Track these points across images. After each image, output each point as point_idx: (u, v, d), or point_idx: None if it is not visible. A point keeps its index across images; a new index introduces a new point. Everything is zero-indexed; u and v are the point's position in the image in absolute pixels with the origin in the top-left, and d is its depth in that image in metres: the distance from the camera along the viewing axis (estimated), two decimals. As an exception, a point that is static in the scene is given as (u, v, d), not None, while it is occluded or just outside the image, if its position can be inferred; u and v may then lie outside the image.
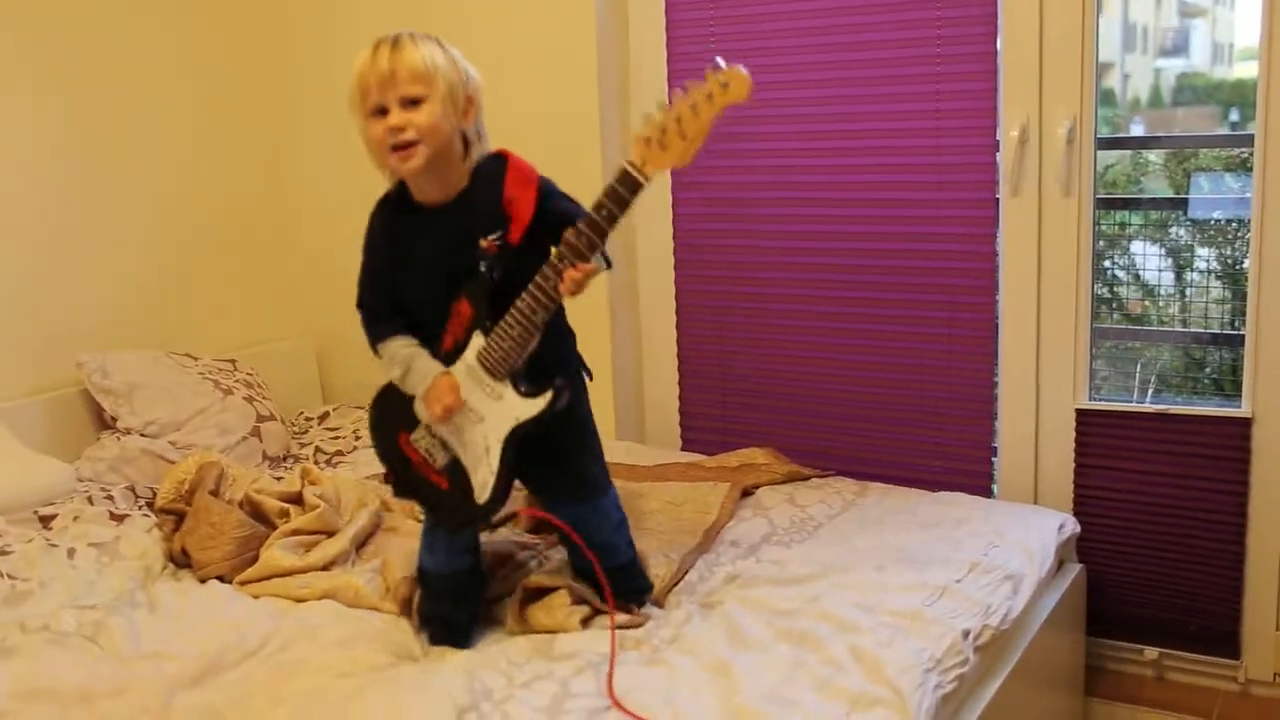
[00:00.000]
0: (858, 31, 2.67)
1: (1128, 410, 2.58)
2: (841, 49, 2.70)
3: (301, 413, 3.28)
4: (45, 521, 2.39)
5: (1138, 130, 2.79)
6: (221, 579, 2.25)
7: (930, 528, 2.34)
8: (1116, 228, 2.75)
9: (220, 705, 1.79)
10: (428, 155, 1.82)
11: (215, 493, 2.42)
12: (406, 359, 1.92)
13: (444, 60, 1.84)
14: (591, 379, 2.07)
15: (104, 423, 2.81)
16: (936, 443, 2.76)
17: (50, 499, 2.46)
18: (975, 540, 2.27)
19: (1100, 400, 2.62)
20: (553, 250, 1.80)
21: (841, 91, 2.72)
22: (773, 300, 2.90)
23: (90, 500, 2.49)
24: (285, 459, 2.94)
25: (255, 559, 2.27)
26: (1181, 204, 2.73)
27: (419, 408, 1.91)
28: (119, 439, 2.72)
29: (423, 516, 2.06)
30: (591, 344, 2.96)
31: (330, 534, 2.34)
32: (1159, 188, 2.77)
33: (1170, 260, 2.75)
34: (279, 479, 2.58)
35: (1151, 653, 2.62)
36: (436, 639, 1.99)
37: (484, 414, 1.88)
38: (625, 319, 3.06)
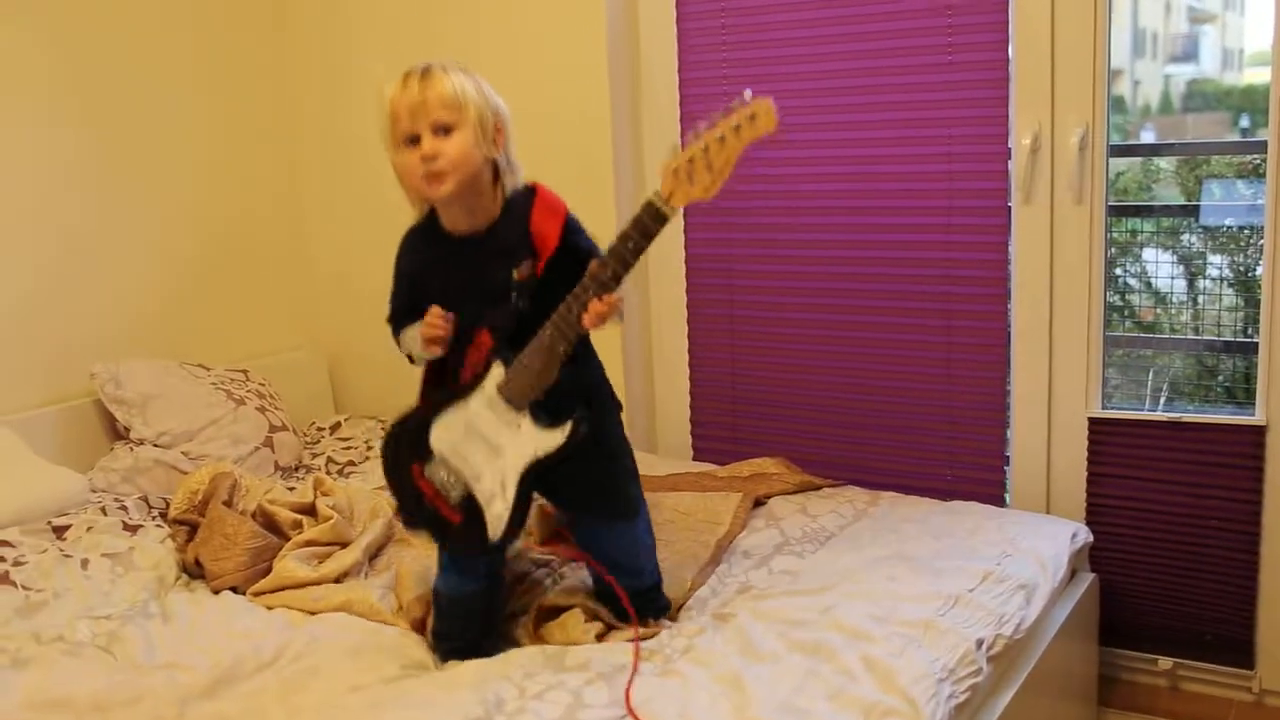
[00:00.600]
0: (869, 40, 2.67)
1: (1140, 418, 2.57)
2: (853, 58, 2.70)
3: (313, 423, 3.29)
4: (59, 532, 2.39)
5: (1148, 137, 2.78)
6: (235, 590, 2.26)
7: (943, 537, 2.33)
8: (1128, 235, 2.74)
9: (234, 716, 1.80)
10: (458, 182, 1.83)
11: (228, 503, 2.42)
12: (407, 336, 1.97)
13: (473, 89, 1.85)
14: (621, 409, 2.07)
15: (117, 433, 2.82)
16: (948, 452, 2.75)
17: (64, 510, 2.47)
18: (988, 549, 2.26)
19: (1113, 409, 2.61)
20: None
21: (853, 100, 2.72)
22: (784, 309, 2.90)
23: (104, 511, 2.49)
24: (298, 469, 2.95)
25: (268, 570, 2.27)
26: (1193, 211, 2.72)
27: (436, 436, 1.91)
28: (132, 449, 2.73)
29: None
30: (603, 354, 2.97)
31: (343, 545, 2.35)
32: (1170, 195, 2.76)
33: (1182, 267, 2.74)
34: (291, 489, 2.58)
35: (1165, 662, 2.61)
36: (447, 658, 1.98)
37: (502, 445, 1.88)
38: (637, 329, 3.06)
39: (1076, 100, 2.49)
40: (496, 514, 1.88)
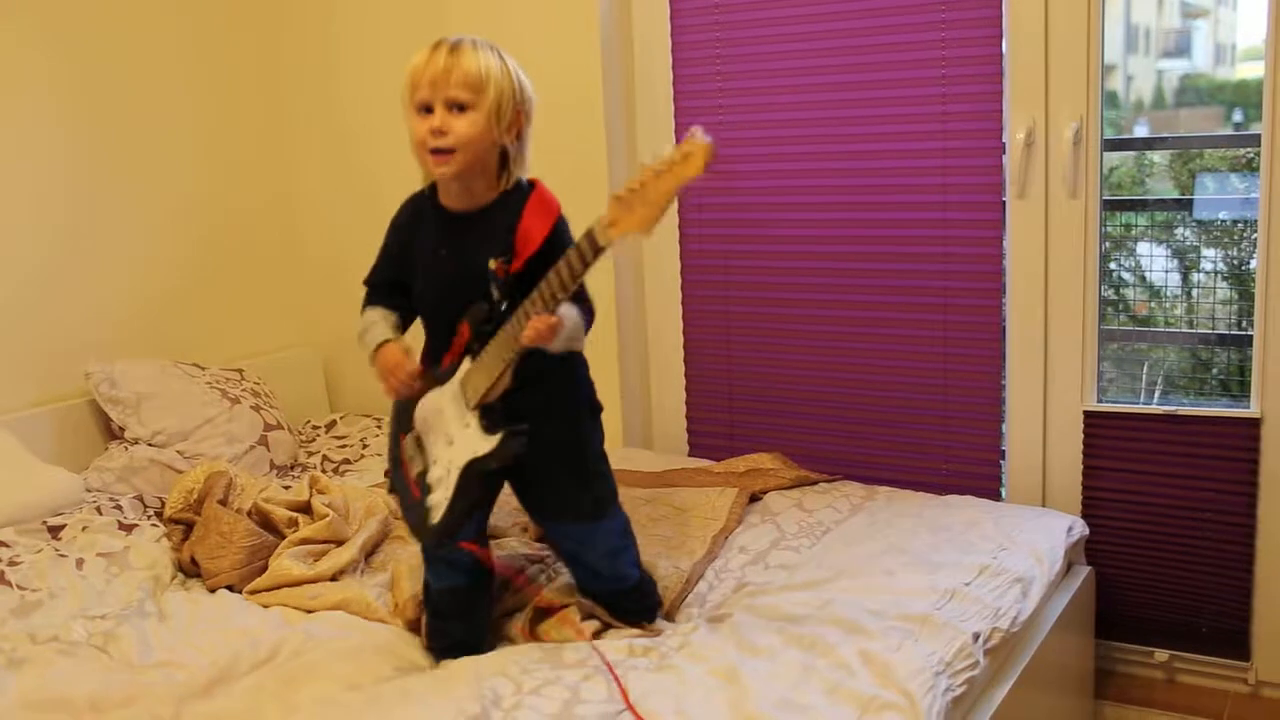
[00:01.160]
0: (863, 35, 2.68)
1: (1135, 412, 2.57)
2: (847, 53, 2.70)
3: (309, 421, 3.28)
4: (54, 532, 2.39)
5: (1141, 132, 2.79)
6: (231, 588, 2.26)
7: (939, 531, 2.34)
8: (1122, 229, 2.74)
9: (231, 714, 1.79)
10: (461, 164, 1.82)
11: (224, 502, 2.42)
12: (368, 321, 1.96)
13: (499, 72, 1.83)
14: (601, 410, 2.05)
15: (112, 433, 2.81)
16: (944, 446, 2.76)
17: (59, 509, 2.47)
18: (984, 543, 2.27)
19: (1108, 402, 2.62)
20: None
21: (847, 96, 2.72)
22: (779, 304, 2.90)
23: (99, 510, 2.49)
24: (293, 468, 2.95)
25: (264, 568, 2.27)
26: (1187, 205, 2.72)
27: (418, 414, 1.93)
28: (127, 449, 2.73)
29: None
30: (599, 351, 2.99)
31: (339, 543, 2.35)
32: (1164, 189, 2.77)
33: (1176, 261, 2.75)
34: (287, 488, 2.58)
35: (1161, 655, 2.61)
36: (442, 656, 1.98)
37: (453, 438, 1.88)
38: (632, 325, 3.06)
39: (1070, 95, 2.49)
40: (436, 501, 1.89)
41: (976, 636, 1.93)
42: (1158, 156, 2.76)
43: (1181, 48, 2.77)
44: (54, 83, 2.85)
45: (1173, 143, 2.73)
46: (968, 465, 2.74)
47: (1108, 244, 2.65)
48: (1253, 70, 2.46)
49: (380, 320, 1.96)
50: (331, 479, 2.67)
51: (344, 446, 3.10)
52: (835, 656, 1.81)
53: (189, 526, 2.41)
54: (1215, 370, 2.73)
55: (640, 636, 1.96)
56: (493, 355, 1.80)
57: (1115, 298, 2.78)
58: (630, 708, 1.70)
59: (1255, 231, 2.45)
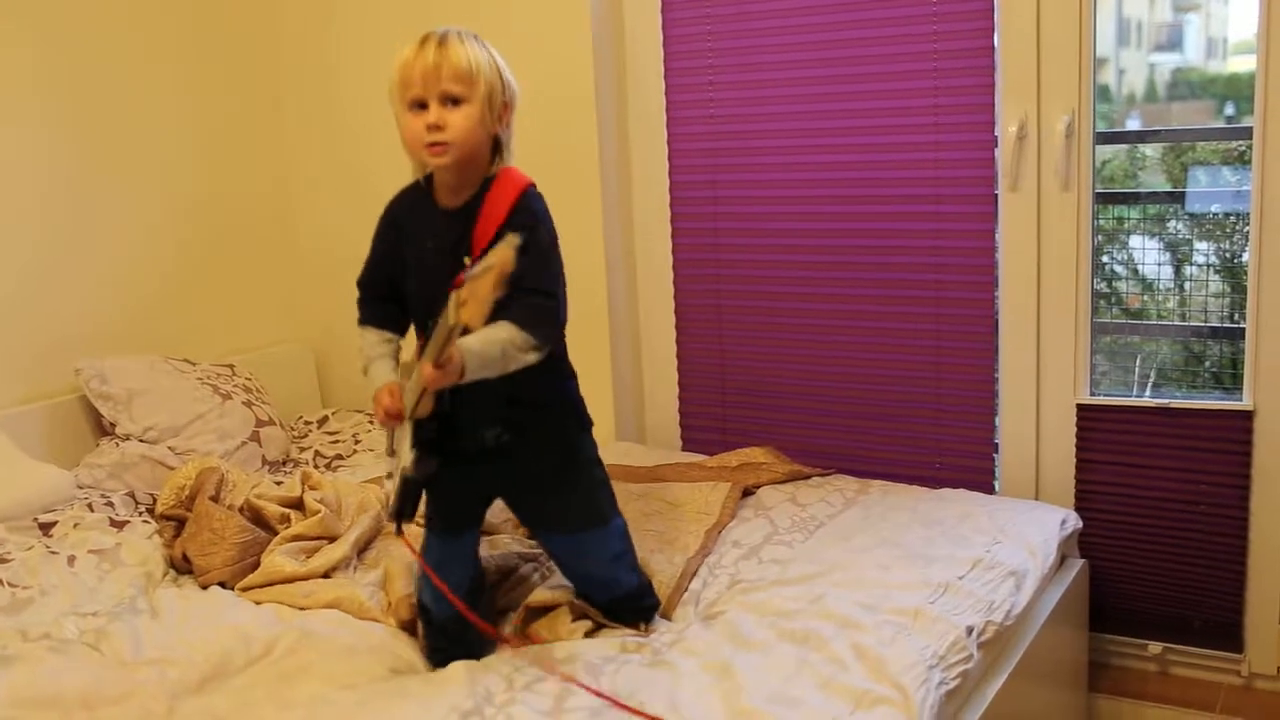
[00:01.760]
0: (855, 28, 2.67)
1: (1129, 405, 2.58)
2: (838, 46, 2.70)
3: (301, 417, 3.27)
4: (45, 529, 2.38)
5: (1134, 125, 2.79)
6: (223, 585, 2.25)
7: (932, 525, 2.34)
8: (1114, 222, 2.74)
9: (224, 711, 1.79)
10: (458, 154, 1.81)
11: (216, 498, 2.41)
12: (369, 357, 1.95)
13: (487, 63, 1.82)
14: (591, 425, 2.02)
15: (103, 429, 2.80)
16: (937, 439, 2.76)
17: (50, 506, 2.46)
18: (977, 537, 2.27)
19: (1101, 395, 2.62)
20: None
21: (839, 89, 2.72)
22: (772, 298, 2.90)
23: (90, 507, 2.48)
24: (285, 464, 2.94)
25: (257, 564, 2.26)
26: (1179, 198, 2.73)
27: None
28: (118, 445, 2.72)
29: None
30: (591, 345, 2.99)
31: (332, 539, 2.34)
32: (1156, 182, 2.77)
33: (1168, 254, 2.75)
34: (279, 484, 2.57)
35: (1154, 647, 2.62)
36: (438, 667, 1.95)
37: (399, 441, 1.89)
38: (624, 319, 3.06)
39: (1062, 88, 2.49)
40: (389, 490, 1.90)
41: (970, 630, 1.93)
42: (1150, 150, 2.76)
43: (1173, 41, 2.77)
44: (43, 77, 2.84)
45: (1165, 136, 2.73)
46: (961, 459, 2.74)
47: (1100, 237, 2.65)
48: (1244, 64, 2.46)
49: (379, 355, 1.94)
50: (324, 475, 2.67)
51: (336, 442, 3.09)
52: (828, 651, 1.81)
53: (181, 523, 2.40)
54: (1208, 363, 2.73)
55: (635, 636, 1.95)
56: (412, 386, 1.77)
57: (1108, 291, 2.78)
58: (624, 706, 1.69)
59: (1247, 224, 2.45)
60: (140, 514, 2.51)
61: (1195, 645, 2.59)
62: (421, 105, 1.81)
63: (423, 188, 1.93)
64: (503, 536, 2.30)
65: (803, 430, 2.91)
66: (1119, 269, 2.81)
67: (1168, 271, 2.75)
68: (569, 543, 2.00)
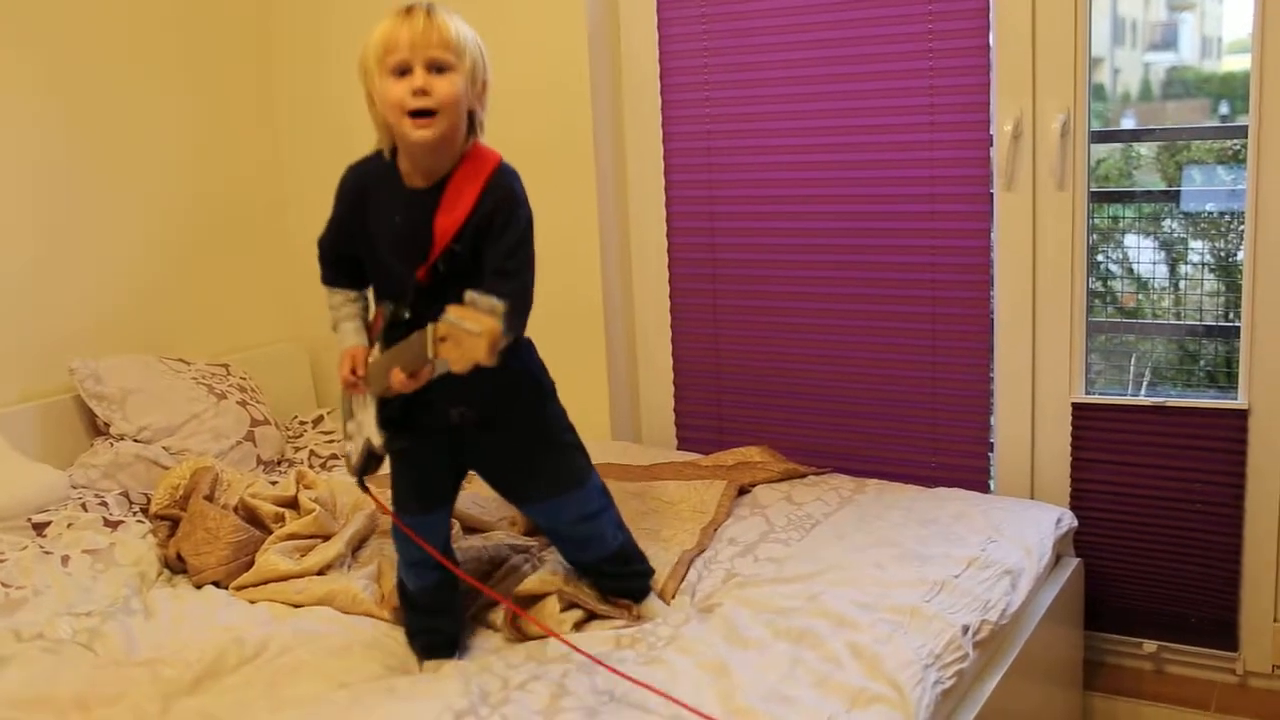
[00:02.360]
0: (850, 27, 2.67)
1: (1124, 404, 2.58)
2: (833, 45, 2.70)
3: (295, 416, 3.27)
4: (39, 529, 2.37)
5: (1128, 124, 2.79)
6: (218, 584, 2.25)
7: (928, 524, 2.34)
8: (1109, 221, 2.74)
9: (218, 711, 1.78)
10: (444, 127, 1.77)
11: (210, 498, 2.41)
12: (336, 317, 1.97)
13: (471, 38, 1.81)
14: (554, 387, 2.01)
15: (97, 429, 2.80)
16: (933, 438, 2.76)
17: (44, 506, 2.45)
18: (973, 535, 2.27)
19: (1096, 394, 2.62)
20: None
21: (834, 88, 2.72)
22: (767, 297, 2.90)
23: (84, 507, 2.47)
24: (280, 463, 2.93)
25: (251, 564, 2.26)
26: (1174, 197, 2.73)
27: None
28: (112, 445, 2.71)
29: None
30: (586, 344, 2.99)
31: (326, 538, 2.34)
32: (1151, 181, 2.77)
33: (1163, 253, 2.75)
34: (274, 483, 2.57)
35: (1150, 646, 2.62)
36: (425, 653, 1.97)
37: (360, 409, 1.90)
38: (620, 319, 3.06)
39: (1057, 87, 2.49)
40: (349, 450, 1.93)
41: (966, 629, 1.93)
42: (1145, 149, 2.76)
43: (1168, 40, 2.77)
44: (36, 75, 2.83)
45: (1160, 135, 2.73)
46: (956, 457, 2.74)
47: (1095, 236, 2.65)
48: (1239, 63, 2.46)
49: (346, 315, 1.96)
50: (318, 474, 2.66)
51: (331, 441, 3.09)
52: (824, 649, 1.81)
53: (175, 523, 2.40)
54: (1203, 362, 2.73)
55: (627, 627, 1.95)
56: (378, 372, 1.77)
57: (1103, 289, 2.79)
58: (647, 685, 1.69)
59: (1242, 223, 2.45)
60: (134, 514, 2.50)
61: (1190, 643, 2.59)
62: (404, 71, 1.76)
63: (387, 161, 1.88)
64: (497, 532, 2.30)
65: (798, 429, 2.90)
66: (1114, 268, 2.81)
67: (1163, 270, 2.75)
68: (548, 508, 2.00)
